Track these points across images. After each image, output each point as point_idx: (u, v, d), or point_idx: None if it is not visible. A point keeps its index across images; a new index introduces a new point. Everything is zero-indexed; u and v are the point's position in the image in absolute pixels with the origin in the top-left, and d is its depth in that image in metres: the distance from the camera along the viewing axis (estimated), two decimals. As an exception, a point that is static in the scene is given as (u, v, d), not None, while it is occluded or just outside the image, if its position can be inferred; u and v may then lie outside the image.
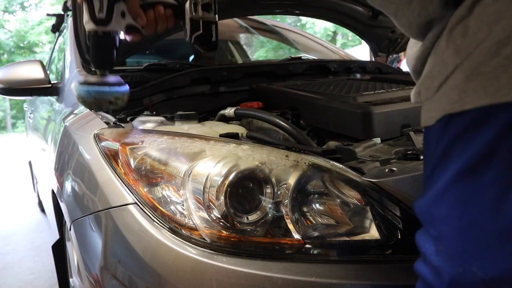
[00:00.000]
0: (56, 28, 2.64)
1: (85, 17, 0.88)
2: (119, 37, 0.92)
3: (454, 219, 0.40)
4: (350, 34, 12.67)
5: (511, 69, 0.36)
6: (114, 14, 0.87)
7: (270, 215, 0.74)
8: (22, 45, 17.17)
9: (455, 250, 0.40)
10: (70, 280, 1.40)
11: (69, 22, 1.99)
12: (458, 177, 0.40)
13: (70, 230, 1.06)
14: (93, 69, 0.95)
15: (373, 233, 0.73)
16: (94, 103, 0.90)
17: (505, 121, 0.36)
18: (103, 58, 0.92)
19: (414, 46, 0.54)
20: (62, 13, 2.33)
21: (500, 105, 0.37)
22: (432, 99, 0.44)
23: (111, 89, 0.89)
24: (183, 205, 0.77)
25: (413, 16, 0.47)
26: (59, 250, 1.48)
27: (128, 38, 0.93)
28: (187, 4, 0.87)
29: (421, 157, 0.80)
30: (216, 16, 0.87)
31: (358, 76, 1.73)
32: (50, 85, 1.75)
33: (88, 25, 0.88)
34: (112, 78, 0.91)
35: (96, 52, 0.92)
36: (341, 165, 0.78)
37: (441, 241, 0.42)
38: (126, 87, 0.92)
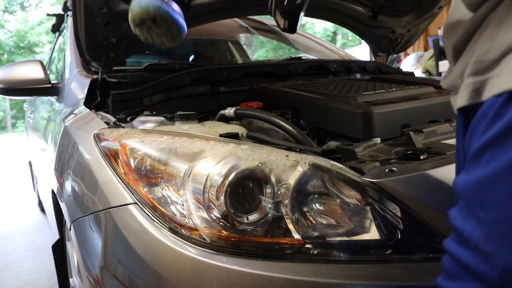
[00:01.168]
0: (56, 28, 2.64)
1: None
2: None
3: (509, 207, 0.39)
4: (350, 34, 12.67)
5: None
6: None
7: (270, 215, 0.74)
8: (22, 45, 17.17)
9: (508, 238, 0.39)
10: (70, 280, 1.40)
11: (69, 22, 1.99)
12: None
13: (70, 230, 1.06)
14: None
15: (373, 233, 0.73)
16: (138, 13, 0.83)
17: None
18: None
19: (451, 33, 0.51)
20: (62, 13, 2.34)
21: None
22: (486, 73, 0.41)
23: (163, 5, 0.82)
24: (183, 205, 0.77)
25: None
26: (59, 250, 1.48)
27: None
28: None
29: (421, 157, 0.80)
30: None
31: (358, 76, 1.73)
32: (50, 85, 1.75)
33: None
34: (175, 5, 0.84)
35: None
36: (341, 165, 0.78)
37: (494, 226, 0.40)
38: (181, 20, 0.84)
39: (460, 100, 0.44)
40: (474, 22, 0.45)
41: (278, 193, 0.74)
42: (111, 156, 0.94)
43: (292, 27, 0.82)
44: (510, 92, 0.38)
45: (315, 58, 2.21)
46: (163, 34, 0.84)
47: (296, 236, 0.73)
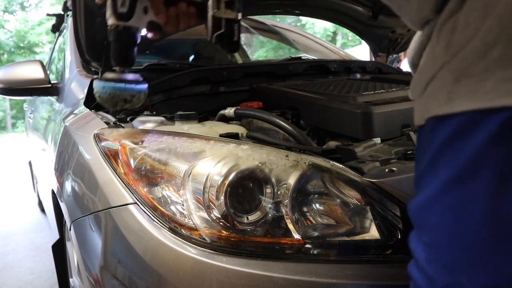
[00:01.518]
0: (56, 28, 2.64)
1: (108, 12, 0.87)
2: (140, 34, 0.90)
3: (445, 228, 0.39)
4: (350, 34, 12.67)
5: (498, 73, 0.34)
6: (136, 9, 0.86)
7: (270, 215, 0.74)
8: (22, 45, 17.18)
9: (445, 260, 0.40)
10: (70, 280, 1.40)
11: (69, 22, 1.99)
12: (449, 185, 0.39)
13: (70, 230, 1.06)
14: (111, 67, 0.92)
15: (373, 233, 0.73)
16: (109, 99, 0.88)
17: (492, 128, 0.35)
18: (123, 54, 0.90)
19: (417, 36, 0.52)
20: (62, 13, 2.33)
21: (487, 110, 0.35)
22: (421, 97, 0.43)
23: (127, 87, 0.87)
24: (183, 205, 0.77)
25: (412, 15, 0.46)
26: (59, 250, 1.48)
27: (149, 35, 0.91)
28: (210, 1, 0.84)
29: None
30: (240, 14, 0.84)
31: (358, 76, 1.73)
32: (50, 85, 1.75)
33: (110, 19, 0.87)
34: (130, 76, 0.89)
35: (116, 48, 0.90)
36: (341, 165, 0.78)
37: (432, 248, 0.41)
38: (144, 86, 0.90)
39: (414, 119, 0.45)
40: (420, 43, 0.46)
41: (278, 193, 0.74)
42: (111, 156, 0.94)
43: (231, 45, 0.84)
44: (436, 118, 0.39)
45: (315, 58, 2.21)
46: (136, 103, 0.90)
47: (296, 236, 0.73)
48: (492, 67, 0.35)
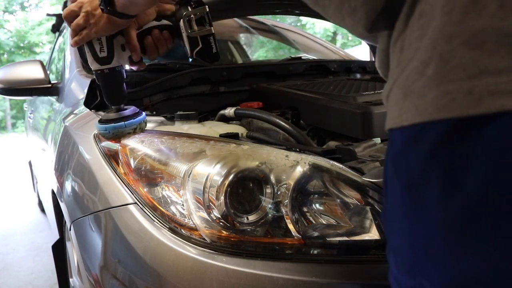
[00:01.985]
0: (56, 28, 2.64)
1: (89, 59, 0.91)
2: (124, 70, 0.95)
3: (405, 233, 0.42)
4: (350, 34, 12.66)
5: (434, 89, 0.37)
6: (115, 50, 0.90)
7: (270, 215, 0.74)
8: (22, 45, 17.18)
9: (408, 263, 0.42)
10: (70, 280, 1.40)
11: (69, 22, 1.99)
12: (404, 193, 0.41)
13: (70, 230, 1.06)
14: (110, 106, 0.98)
15: (373, 233, 0.73)
16: (114, 137, 0.93)
17: (433, 138, 0.38)
18: (115, 94, 0.95)
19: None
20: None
21: (428, 123, 0.38)
22: (386, 108, 0.46)
23: (127, 123, 0.91)
24: (183, 205, 0.77)
25: (350, 30, 0.50)
26: (59, 250, 1.48)
27: (134, 67, 0.95)
28: (181, 23, 0.88)
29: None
30: (212, 28, 0.88)
31: (358, 76, 1.73)
32: (50, 85, 1.75)
33: (93, 65, 0.92)
34: (127, 112, 0.93)
35: (106, 90, 0.95)
36: (341, 165, 0.78)
37: (397, 253, 0.43)
38: (142, 116, 0.95)
39: None
40: (381, 53, 0.49)
41: (278, 193, 0.74)
42: (111, 156, 0.94)
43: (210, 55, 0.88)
44: (392, 130, 0.42)
45: (315, 58, 2.21)
46: (139, 132, 0.95)
47: (296, 236, 0.73)
48: (429, 84, 0.38)
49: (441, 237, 0.38)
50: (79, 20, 0.85)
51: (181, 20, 0.87)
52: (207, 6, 0.87)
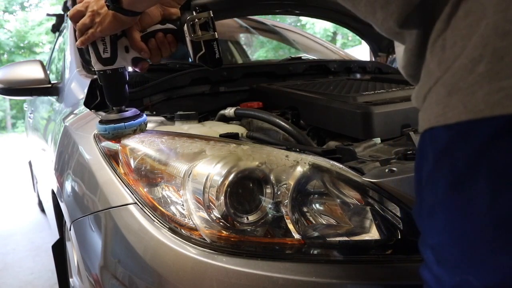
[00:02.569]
0: (56, 28, 2.64)
1: (93, 59, 0.92)
2: (127, 72, 0.95)
3: (448, 230, 0.42)
4: (350, 34, 12.67)
5: (486, 86, 0.37)
6: (118, 51, 0.91)
7: (270, 215, 0.74)
8: (22, 45, 17.17)
9: (452, 260, 0.42)
10: (70, 280, 1.40)
11: (69, 22, 1.99)
12: (450, 190, 0.41)
13: (70, 230, 1.06)
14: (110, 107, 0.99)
15: (373, 233, 0.73)
16: (113, 138, 0.94)
17: (484, 135, 0.38)
18: (116, 95, 0.95)
19: (399, 45, 0.55)
20: (62, 13, 2.33)
21: (478, 120, 0.38)
22: (421, 108, 0.46)
23: (127, 124, 0.92)
24: (183, 205, 0.77)
25: (378, 25, 0.50)
26: (59, 250, 1.48)
27: (137, 69, 0.96)
28: (185, 27, 0.88)
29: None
30: (216, 33, 0.88)
31: (358, 76, 1.73)
32: (50, 85, 1.75)
33: (96, 66, 0.92)
34: (128, 113, 0.94)
35: (108, 90, 0.95)
36: (341, 165, 0.78)
37: (438, 251, 0.43)
38: (143, 118, 0.95)
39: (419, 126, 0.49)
40: (410, 56, 0.49)
41: (278, 193, 0.74)
42: (111, 156, 0.94)
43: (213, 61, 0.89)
44: (433, 129, 0.42)
45: (315, 58, 2.21)
46: (139, 133, 0.96)
47: (296, 236, 0.73)
48: (479, 81, 0.38)
49: (490, 234, 0.38)
50: (85, 19, 0.86)
51: (185, 24, 0.88)
52: (211, 11, 0.87)
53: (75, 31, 0.91)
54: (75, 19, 0.88)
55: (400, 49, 0.55)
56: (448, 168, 0.41)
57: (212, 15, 0.87)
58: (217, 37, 0.88)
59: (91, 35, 0.87)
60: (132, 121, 0.92)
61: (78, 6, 0.87)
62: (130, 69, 0.97)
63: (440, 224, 0.42)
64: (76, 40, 0.89)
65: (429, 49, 0.45)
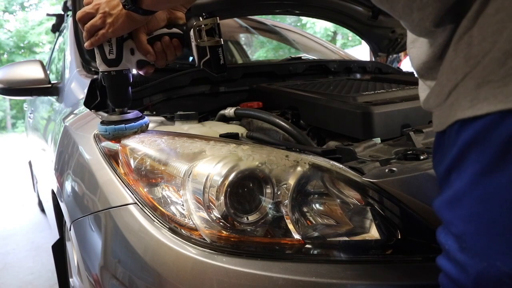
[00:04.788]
0: (56, 28, 2.64)
1: (98, 60, 0.92)
2: (131, 74, 0.96)
3: (476, 218, 0.43)
4: (350, 34, 12.67)
5: None
6: (123, 53, 0.92)
7: (270, 215, 0.74)
8: (22, 45, 17.17)
9: (479, 247, 0.43)
10: (70, 280, 1.40)
11: (69, 22, 1.99)
12: (477, 179, 0.43)
13: (70, 230, 1.06)
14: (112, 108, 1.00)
15: (373, 233, 0.73)
16: (113, 139, 0.94)
17: None
18: (120, 96, 0.96)
19: (415, 46, 0.56)
20: (62, 13, 2.33)
21: (509, 111, 0.40)
22: (442, 105, 0.47)
23: (127, 126, 0.92)
24: (183, 205, 0.77)
25: (413, 26, 0.52)
26: (59, 250, 1.48)
27: (141, 72, 0.97)
28: (191, 32, 0.89)
29: (421, 157, 0.80)
30: (221, 39, 0.89)
31: (358, 76, 1.73)
32: (50, 85, 1.75)
33: (101, 67, 0.93)
34: (130, 115, 0.94)
35: (112, 92, 0.96)
36: (341, 165, 0.78)
37: (464, 238, 0.45)
38: (144, 120, 0.96)
39: (433, 125, 0.51)
40: (432, 56, 0.52)
41: (278, 193, 0.74)
42: (111, 156, 0.94)
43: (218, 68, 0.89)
44: (459, 122, 0.44)
45: (315, 58, 2.21)
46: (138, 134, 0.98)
47: (296, 236, 0.73)
48: None
49: None
50: (96, 21, 0.86)
51: (191, 29, 0.88)
52: (218, 18, 0.87)
53: (75, 31, 0.91)
54: (84, 20, 0.88)
55: (414, 50, 0.56)
56: (477, 157, 0.42)
57: (218, 22, 0.88)
58: (222, 43, 0.89)
59: (101, 36, 0.87)
60: (133, 123, 0.93)
61: (87, 8, 0.88)
62: (134, 71, 0.97)
63: (467, 212, 0.44)
64: (78, 40, 0.90)
65: (452, 47, 0.46)
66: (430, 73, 0.54)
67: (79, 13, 0.88)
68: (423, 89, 0.58)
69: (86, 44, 0.90)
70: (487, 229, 0.42)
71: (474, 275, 0.43)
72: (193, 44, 0.90)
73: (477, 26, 0.43)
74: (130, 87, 0.96)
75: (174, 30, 0.94)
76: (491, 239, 0.42)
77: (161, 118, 1.16)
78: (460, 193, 0.45)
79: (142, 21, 0.87)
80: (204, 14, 0.88)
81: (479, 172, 0.42)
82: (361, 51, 6.51)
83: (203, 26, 0.87)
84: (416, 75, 0.61)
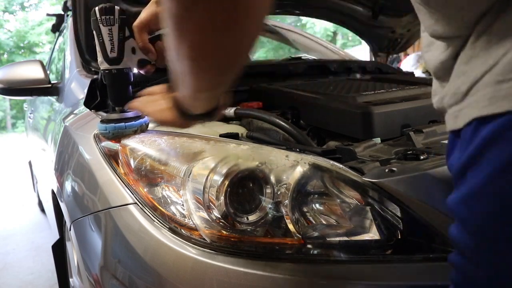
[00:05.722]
0: (56, 28, 2.64)
1: (99, 58, 0.92)
2: (132, 73, 0.96)
3: (491, 215, 0.44)
4: (350, 34, 12.67)
5: None
6: (125, 51, 0.92)
7: (270, 215, 0.74)
8: (22, 45, 17.16)
9: (494, 244, 0.44)
10: (70, 280, 1.40)
11: (69, 22, 1.99)
12: (493, 176, 0.43)
13: (70, 230, 1.06)
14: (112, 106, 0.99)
15: (373, 233, 0.73)
16: (113, 138, 0.94)
17: None
18: (120, 95, 0.96)
19: (430, 49, 0.56)
20: (62, 13, 2.33)
21: None
22: (459, 104, 0.48)
23: (127, 125, 0.92)
24: (183, 205, 0.77)
25: (454, 21, 0.51)
26: (59, 250, 1.48)
27: (142, 71, 0.96)
28: None
29: (421, 157, 0.80)
30: None
31: (358, 76, 1.73)
32: (50, 85, 1.75)
33: (102, 65, 0.93)
34: (130, 114, 0.95)
35: (112, 90, 0.96)
36: (341, 165, 0.78)
37: (479, 236, 0.45)
38: (144, 119, 0.96)
39: (447, 124, 0.51)
40: (448, 57, 0.52)
41: (278, 193, 0.74)
42: (111, 156, 0.94)
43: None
44: (477, 120, 0.44)
45: (315, 58, 2.21)
46: (139, 134, 0.97)
47: (296, 236, 0.73)
48: None
49: None
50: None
51: None
52: None
53: (75, 31, 0.91)
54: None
55: (431, 53, 0.56)
56: (495, 155, 0.43)
57: None
58: None
59: None
60: (133, 122, 0.93)
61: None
62: (135, 70, 0.97)
63: (482, 210, 0.44)
64: (78, 40, 0.90)
65: (469, 45, 0.47)
66: (447, 73, 0.54)
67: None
68: (438, 91, 0.57)
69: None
70: (502, 226, 0.43)
71: (489, 272, 0.44)
72: None
73: (496, 25, 0.44)
74: (130, 86, 0.96)
75: None
76: (507, 236, 0.42)
77: (161, 118, 1.16)
78: (476, 191, 0.45)
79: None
80: None
81: (496, 170, 0.43)
82: (361, 51, 6.51)
83: None
84: (427, 76, 0.61)
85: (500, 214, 0.43)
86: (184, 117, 0.72)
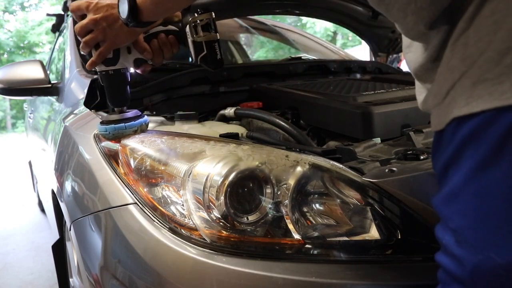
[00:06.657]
0: (56, 28, 2.64)
1: None
2: (129, 73, 0.96)
3: (471, 212, 0.44)
4: (350, 34, 12.67)
5: None
6: (120, 52, 0.91)
7: (270, 215, 0.74)
8: (22, 45, 17.16)
9: (474, 240, 0.44)
10: (70, 280, 1.40)
11: (69, 22, 1.99)
12: (472, 174, 0.44)
13: (70, 230, 1.06)
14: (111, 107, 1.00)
15: (373, 233, 0.73)
16: (113, 138, 0.94)
17: (510, 121, 0.41)
18: (118, 96, 0.96)
19: (410, 51, 0.58)
20: (62, 13, 2.33)
21: (504, 108, 0.41)
22: (440, 105, 0.48)
23: (127, 125, 0.93)
24: (183, 205, 0.77)
25: (408, 29, 0.53)
26: (59, 250, 1.48)
27: (138, 70, 0.96)
28: (187, 28, 0.89)
29: (421, 157, 0.80)
30: (217, 34, 0.89)
31: (358, 76, 1.73)
32: (50, 85, 1.75)
33: (98, 67, 0.93)
34: (129, 114, 0.95)
35: (110, 91, 0.96)
36: (341, 165, 0.78)
37: (460, 232, 0.46)
38: (144, 119, 0.96)
39: (432, 125, 0.52)
40: (428, 58, 0.53)
41: (278, 193, 0.74)
42: (111, 156, 0.94)
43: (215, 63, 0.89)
44: (456, 120, 0.45)
45: (315, 58, 2.21)
46: (139, 134, 0.97)
47: (296, 236, 0.73)
48: (507, 71, 0.41)
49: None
50: (97, 35, 0.86)
51: (187, 25, 0.88)
52: (213, 13, 0.87)
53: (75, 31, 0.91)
54: (82, 34, 0.88)
55: (411, 55, 0.58)
56: (472, 153, 0.44)
57: (213, 16, 0.88)
58: (218, 38, 0.89)
59: (104, 50, 0.88)
60: (133, 122, 0.93)
61: (84, 23, 0.87)
62: (132, 70, 0.97)
63: (463, 207, 0.45)
64: (77, 40, 0.90)
65: (449, 48, 0.48)
66: (427, 75, 0.55)
67: (76, 28, 0.89)
68: (421, 92, 0.59)
69: (88, 64, 0.91)
70: (482, 222, 0.43)
71: (470, 268, 0.44)
72: (190, 40, 0.90)
73: (473, 27, 0.45)
74: (128, 86, 0.96)
75: (170, 27, 0.94)
76: (486, 232, 0.43)
77: (161, 118, 1.16)
78: (457, 189, 0.46)
79: (142, 31, 0.88)
80: (199, 9, 0.88)
81: (474, 167, 0.44)
82: (361, 51, 6.51)
83: (198, 21, 0.87)
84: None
85: (480, 210, 0.44)
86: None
